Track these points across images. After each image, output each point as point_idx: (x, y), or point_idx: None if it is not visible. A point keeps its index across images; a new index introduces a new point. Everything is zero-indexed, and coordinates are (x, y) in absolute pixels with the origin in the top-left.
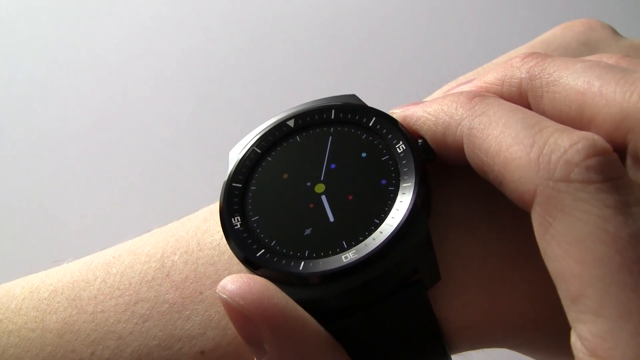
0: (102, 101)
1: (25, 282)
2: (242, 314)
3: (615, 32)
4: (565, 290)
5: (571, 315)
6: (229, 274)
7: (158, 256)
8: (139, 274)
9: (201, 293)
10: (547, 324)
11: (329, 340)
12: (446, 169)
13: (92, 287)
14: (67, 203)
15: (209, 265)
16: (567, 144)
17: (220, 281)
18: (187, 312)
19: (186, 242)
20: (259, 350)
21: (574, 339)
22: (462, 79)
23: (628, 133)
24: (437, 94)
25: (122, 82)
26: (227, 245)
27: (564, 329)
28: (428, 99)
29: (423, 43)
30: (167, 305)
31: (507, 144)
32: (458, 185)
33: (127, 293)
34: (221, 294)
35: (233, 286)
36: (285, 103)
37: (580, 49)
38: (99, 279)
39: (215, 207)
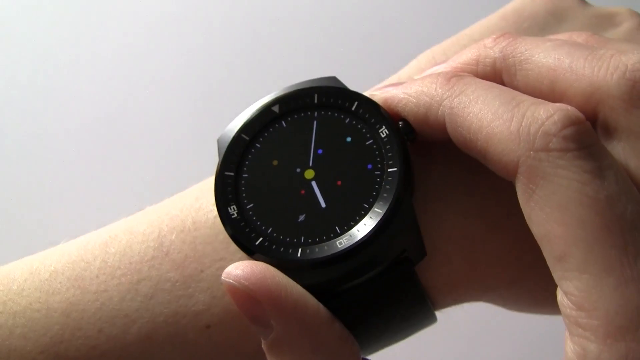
0: (91, 84)
1: (23, 264)
2: (247, 295)
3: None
4: (550, 251)
5: (557, 273)
6: (226, 252)
7: (155, 235)
8: (138, 253)
9: (202, 271)
10: (520, 283)
11: (327, 313)
12: (426, 146)
13: (92, 267)
14: (57, 184)
15: (206, 244)
16: (544, 116)
17: (218, 259)
18: (190, 290)
19: (181, 221)
20: (265, 329)
21: (560, 296)
22: (437, 49)
23: (597, 105)
24: (413, 64)
25: (110, 64)
26: (222, 225)
27: (535, 287)
28: (404, 69)
29: (394, 14)
30: (169, 284)
31: (488, 119)
32: (438, 161)
33: (129, 272)
34: (227, 280)
35: (237, 271)
36: (265, 84)
37: (547, 19)
38: (99, 259)
39: (205, 184)
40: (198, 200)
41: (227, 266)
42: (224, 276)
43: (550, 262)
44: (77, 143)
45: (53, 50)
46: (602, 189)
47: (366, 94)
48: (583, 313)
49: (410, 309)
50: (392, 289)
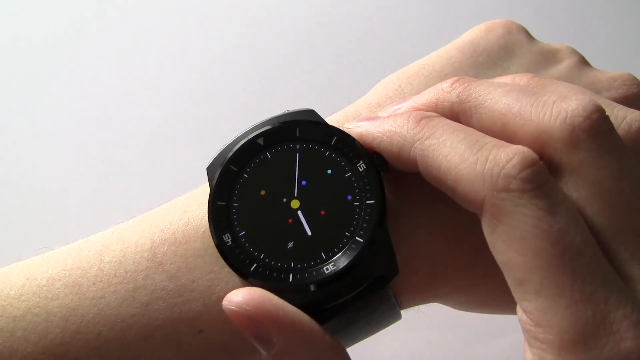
0: (80, 87)
1: (18, 270)
2: (249, 318)
3: (528, 35)
4: (511, 276)
5: (517, 295)
6: (216, 266)
7: (147, 246)
8: (133, 263)
9: (193, 282)
10: (472, 290)
11: (319, 326)
12: (397, 175)
13: (89, 275)
14: (45, 186)
15: (197, 257)
16: (504, 160)
17: (208, 272)
18: (183, 298)
19: (172, 234)
20: (268, 345)
21: (520, 314)
22: (401, 76)
23: (543, 145)
24: (380, 90)
25: (100, 68)
26: (211, 238)
27: (484, 293)
28: (371, 92)
29: (350, 45)
30: (164, 292)
31: (455, 162)
32: (407, 185)
33: (125, 281)
34: (230, 307)
35: (238, 298)
36: (243, 106)
37: (500, 54)
38: (95, 267)
39: (192, 197)
40: (186, 213)
41: (216, 279)
42: (225, 304)
43: (511, 285)
44: (67, 146)
45: (47, 55)
46: (554, 223)
47: (344, 127)
48: (540, 329)
49: (382, 315)
50: (369, 303)
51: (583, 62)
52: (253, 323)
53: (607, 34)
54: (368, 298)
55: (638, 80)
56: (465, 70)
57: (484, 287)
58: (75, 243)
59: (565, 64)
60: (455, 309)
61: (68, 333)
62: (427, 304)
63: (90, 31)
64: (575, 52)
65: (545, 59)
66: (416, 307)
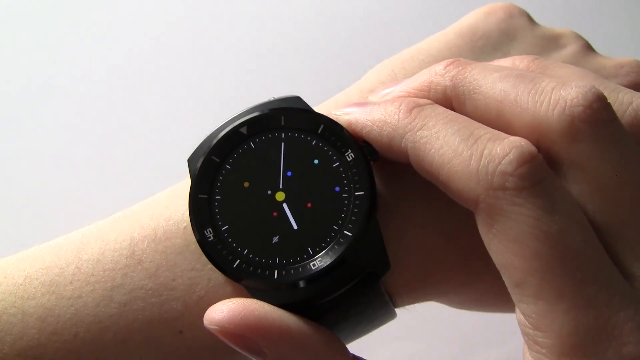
0: (61, 83)
1: None
2: (235, 334)
3: (530, 19)
4: (509, 278)
5: (515, 297)
6: (197, 263)
7: (126, 243)
8: (111, 261)
9: (174, 280)
10: (468, 287)
11: (309, 325)
12: (389, 164)
13: (66, 273)
14: (27, 183)
15: (177, 254)
16: (500, 155)
17: (189, 269)
18: (163, 298)
19: (152, 230)
20: (260, 355)
21: (518, 315)
22: (396, 61)
23: (540, 136)
24: (373, 76)
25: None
26: (192, 235)
27: (481, 291)
28: (364, 79)
29: (349, 30)
30: (143, 291)
31: (449, 157)
32: (400, 176)
33: (103, 279)
34: (211, 326)
35: (218, 315)
36: (225, 94)
37: (501, 38)
38: (72, 265)
39: (174, 191)
40: (168, 209)
41: (198, 277)
42: (206, 323)
43: (509, 287)
44: (48, 141)
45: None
46: (554, 223)
47: (332, 114)
48: (539, 333)
49: (375, 313)
50: (360, 299)
51: (588, 48)
52: (239, 338)
53: (612, 18)
54: (359, 295)
55: None
56: (463, 55)
57: (481, 285)
58: (54, 240)
59: (569, 50)
60: (452, 307)
61: (44, 334)
62: (425, 304)
63: (68, 25)
64: (579, 37)
65: (548, 44)
66: (411, 307)
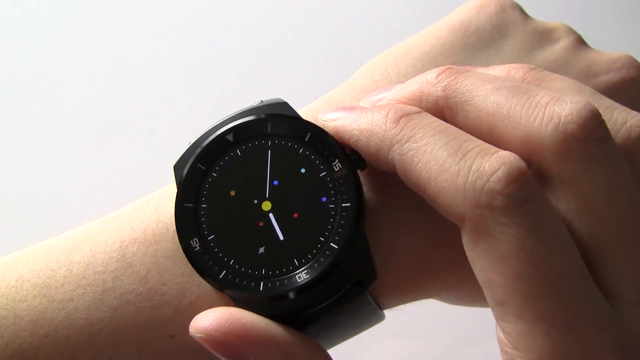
0: (55, 84)
1: None
2: (221, 343)
3: (523, 12)
4: (491, 296)
5: (496, 314)
6: (186, 267)
7: (117, 246)
8: (102, 264)
9: (163, 285)
10: (460, 287)
11: (295, 334)
12: (380, 170)
13: (57, 276)
14: (21, 183)
15: (167, 258)
16: (489, 172)
17: (179, 274)
18: (154, 302)
19: (142, 233)
20: None
21: (499, 333)
22: (389, 58)
23: (532, 152)
24: (365, 73)
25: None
26: None
27: (473, 288)
28: (355, 75)
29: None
30: (133, 295)
31: (435, 172)
32: (388, 181)
33: (94, 282)
34: (198, 335)
35: (204, 324)
36: (215, 89)
37: (493, 34)
38: (64, 268)
39: (164, 193)
40: (157, 210)
41: (188, 282)
42: (192, 332)
43: (490, 304)
44: (42, 141)
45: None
46: (539, 244)
47: (319, 120)
48: (518, 353)
49: (361, 319)
50: (346, 309)
51: (580, 42)
52: (225, 346)
53: (605, 11)
54: (345, 304)
55: (638, 62)
56: (456, 52)
57: (473, 284)
58: (46, 241)
59: (562, 44)
60: (446, 303)
61: (37, 337)
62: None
63: (61, 26)
64: (572, 31)
65: (540, 38)
66: (411, 305)
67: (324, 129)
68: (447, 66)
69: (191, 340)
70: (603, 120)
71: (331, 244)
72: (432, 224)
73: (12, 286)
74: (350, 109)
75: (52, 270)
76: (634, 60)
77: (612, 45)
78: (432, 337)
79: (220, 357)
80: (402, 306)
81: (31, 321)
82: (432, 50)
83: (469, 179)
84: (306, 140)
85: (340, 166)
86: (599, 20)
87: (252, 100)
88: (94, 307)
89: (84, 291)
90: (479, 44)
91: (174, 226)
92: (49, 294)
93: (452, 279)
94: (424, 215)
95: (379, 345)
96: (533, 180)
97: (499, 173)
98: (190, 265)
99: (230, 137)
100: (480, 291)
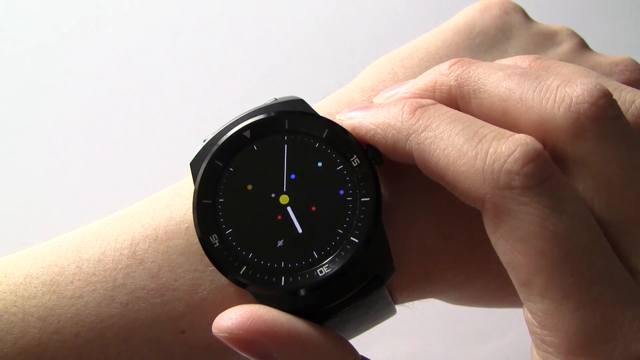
0: (60, 82)
1: None
2: (245, 341)
3: (526, 15)
4: (515, 277)
5: (522, 295)
6: (200, 264)
7: (127, 243)
8: (112, 261)
9: (175, 281)
10: (466, 286)
11: (317, 328)
12: (390, 166)
13: (67, 273)
14: (27, 180)
15: (180, 254)
16: (506, 153)
17: (192, 270)
18: (165, 298)
19: (154, 230)
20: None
21: (526, 313)
22: (395, 58)
23: (546, 134)
24: (373, 73)
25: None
26: (194, 235)
27: (479, 288)
28: (362, 75)
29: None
30: (144, 291)
31: (454, 157)
32: (402, 177)
33: (104, 279)
34: (220, 334)
35: (227, 323)
36: (226, 91)
37: (497, 36)
38: (73, 265)
39: (174, 190)
40: (169, 208)
41: (200, 277)
42: (215, 331)
43: (516, 285)
44: (49, 138)
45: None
46: (560, 222)
47: (336, 118)
48: (546, 332)
49: (378, 313)
50: (365, 303)
51: (583, 45)
52: (249, 344)
53: (607, 15)
54: (364, 298)
55: None
56: (461, 53)
57: (479, 283)
58: (55, 239)
59: (564, 47)
60: (449, 303)
61: (45, 334)
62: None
63: (67, 25)
64: (574, 34)
65: (544, 41)
66: (411, 304)
67: (341, 125)
68: (459, 58)
69: (202, 335)
70: (614, 99)
71: (351, 238)
72: (441, 220)
73: (21, 283)
74: (366, 107)
75: (61, 267)
76: (636, 63)
77: (614, 48)
78: (432, 337)
79: (245, 355)
80: (409, 304)
81: (40, 318)
82: (437, 52)
83: (486, 162)
84: (324, 136)
85: (359, 161)
86: (601, 24)
87: (258, 99)
88: (104, 303)
89: (94, 288)
90: (483, 45)
91: (187, 223)
92: (58, 290)
93: (459, 278)
94: (433, 212)
95: (379, 345)
96: (549, 160)
97: (516, 154)
98: (202, 262)
99: (247, 133)
100: (483, 292)
